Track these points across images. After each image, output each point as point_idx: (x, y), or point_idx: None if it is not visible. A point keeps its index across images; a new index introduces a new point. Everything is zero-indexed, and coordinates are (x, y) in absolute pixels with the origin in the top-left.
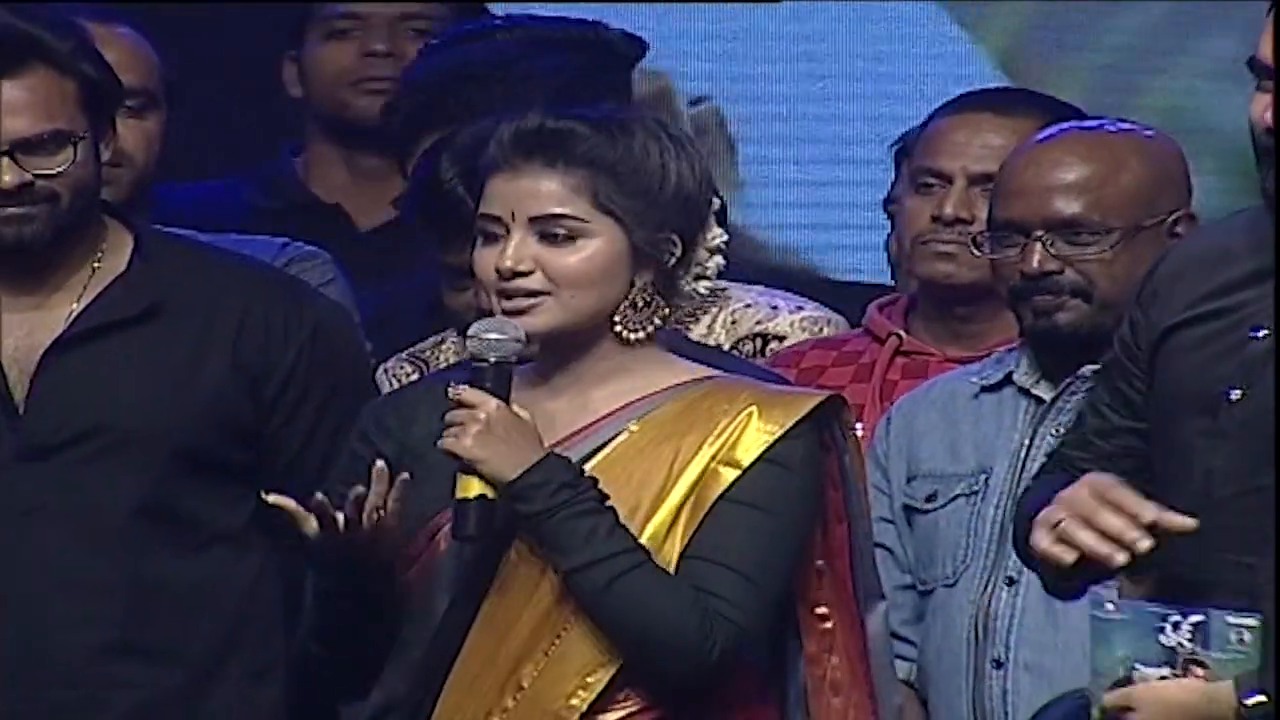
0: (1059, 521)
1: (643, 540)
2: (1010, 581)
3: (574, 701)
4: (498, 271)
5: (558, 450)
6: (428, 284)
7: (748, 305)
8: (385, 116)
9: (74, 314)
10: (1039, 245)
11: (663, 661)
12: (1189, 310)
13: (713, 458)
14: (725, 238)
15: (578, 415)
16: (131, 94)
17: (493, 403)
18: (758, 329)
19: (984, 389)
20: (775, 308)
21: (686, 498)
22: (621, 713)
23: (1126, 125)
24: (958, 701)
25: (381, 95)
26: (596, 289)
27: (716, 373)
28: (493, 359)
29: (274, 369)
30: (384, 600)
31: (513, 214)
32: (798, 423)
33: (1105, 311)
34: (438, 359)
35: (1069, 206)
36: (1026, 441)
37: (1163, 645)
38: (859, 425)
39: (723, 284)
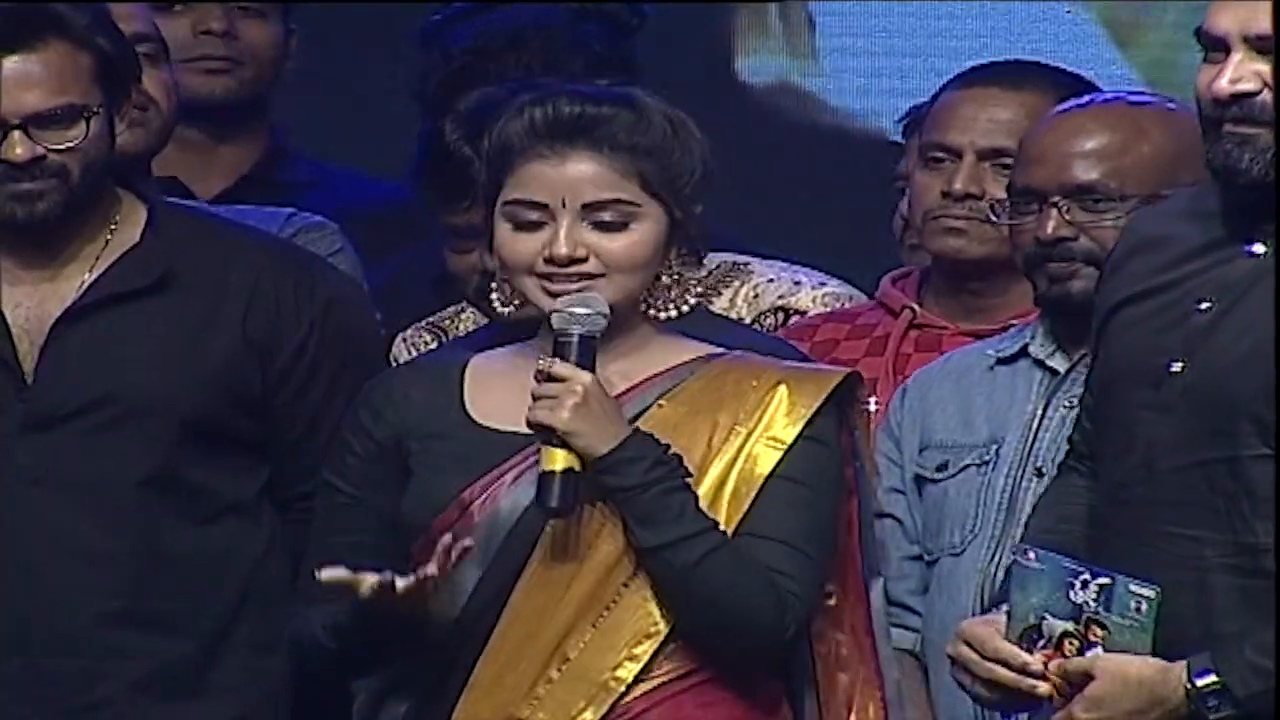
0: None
1: None
2: None
3: (620, 673)
4: (551, 259)
5: None
6: (434, 255)
7: (770, 280)
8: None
9: (85, 284)
10: (1055, 211)
11: (743, 638)
12: (1136, 285)
13: (749, 435)
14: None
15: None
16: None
17: (586, 376)
18: (779, 303)
19: (999, 361)
20: (798, 283)
21: (726, 474)
22: (656, 682)
23: (1150, 97)
24: None
25: (215, 75)
26: (643, 272)
27: (722, 350)
28: (578, 333)
29: (284, 341)
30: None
31: (563, 201)
32: (828, 399)
33: None
34: (457, 328)
35: (1088, 173)
36: (1039, 412)
37: (1071, 601)
38: (873, 399)
39: (745, 258)
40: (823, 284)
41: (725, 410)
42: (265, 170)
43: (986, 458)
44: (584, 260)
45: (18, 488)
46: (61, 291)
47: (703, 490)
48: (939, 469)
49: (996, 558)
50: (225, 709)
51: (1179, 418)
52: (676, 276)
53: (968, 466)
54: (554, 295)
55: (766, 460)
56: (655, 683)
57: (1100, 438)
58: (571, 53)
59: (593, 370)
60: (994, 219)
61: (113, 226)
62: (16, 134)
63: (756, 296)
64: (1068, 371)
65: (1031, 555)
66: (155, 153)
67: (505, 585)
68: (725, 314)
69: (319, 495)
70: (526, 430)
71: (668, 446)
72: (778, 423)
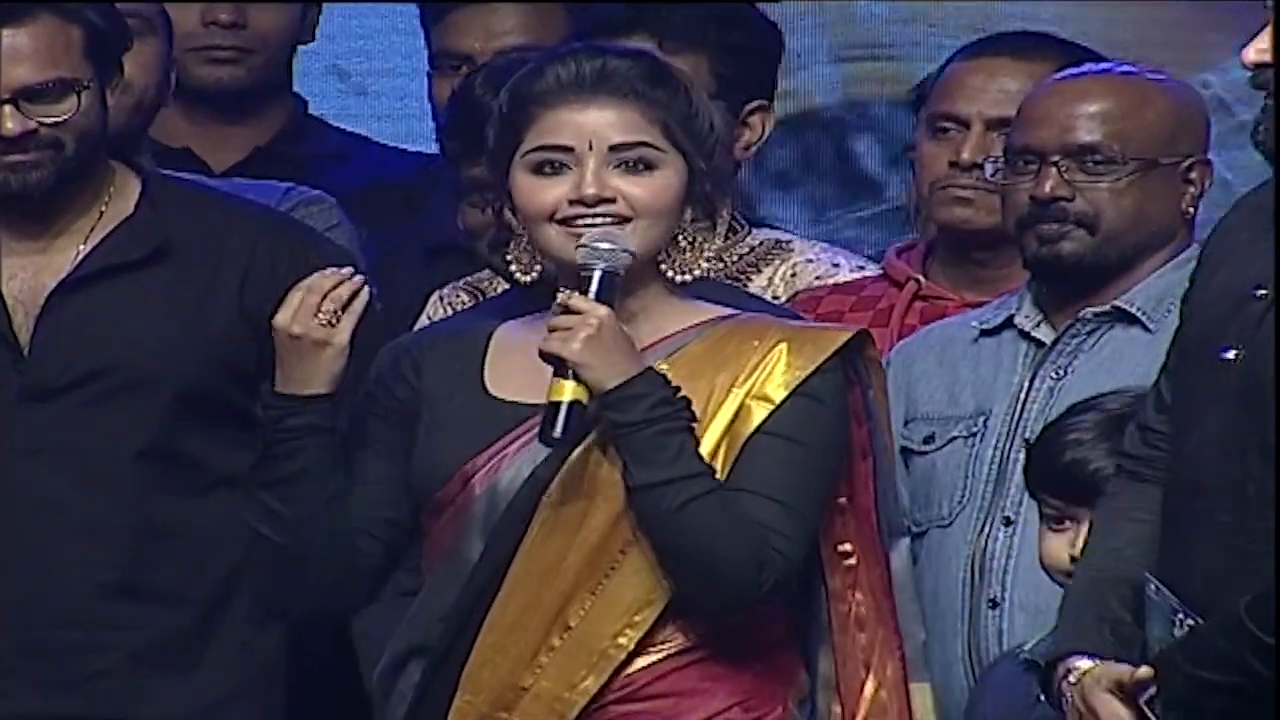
0: None
1: None
2: (1007, 522)
3: (621, 640)
4: (579, 200)
5: None
6: (430, 230)
7: (809, 260)
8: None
9: (80, 256)
10: (1054, 170)
11: (717, 588)
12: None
13: (746, 394)
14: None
15: None
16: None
17: (603, 309)
18: (816, 284)
19: (984, 332)
20: (837, 265)
21: (724, 435)
22: (660, 655)
23: (1153, 70)
24: (953, 642)
25: (222, 64)
26: (664, 221)
27: (735, 312)
28: (601, 268)
29: None
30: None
31: (590, 143)
32: (828, 358)
33: (1108, 244)
34: (494, 287)
35: (1090, 134)
36: (1026, 384)
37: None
38: None
39: (786, 236)
40: (861, 267)
41: (726, 371)
42: (284, 143)
43: (974, 429)
44: (612, 201)
45: (15, 459)
46: (56, 263)
47: (703, 452)
48: (925, 441)
49: (985, 529)
50: (221, 681)
51: (1225, 404)
52: (692, 239)
53: (955, 439)
54: (579, 239)
55: (756, 417)
56: (660, 655)
57: (1171, 420)
58: None
59: (612, 306)
60: (989, 177)
61: (106, 199)
62: (7, 109)
63: (794, 275)
64: (1054, 343)
65: (1153, 587)
66: (136, 130)
67: (508, 554)
68: (763, 291)
69: None
70: (534, 402)
71: (678, 389)
72: (773, 381)
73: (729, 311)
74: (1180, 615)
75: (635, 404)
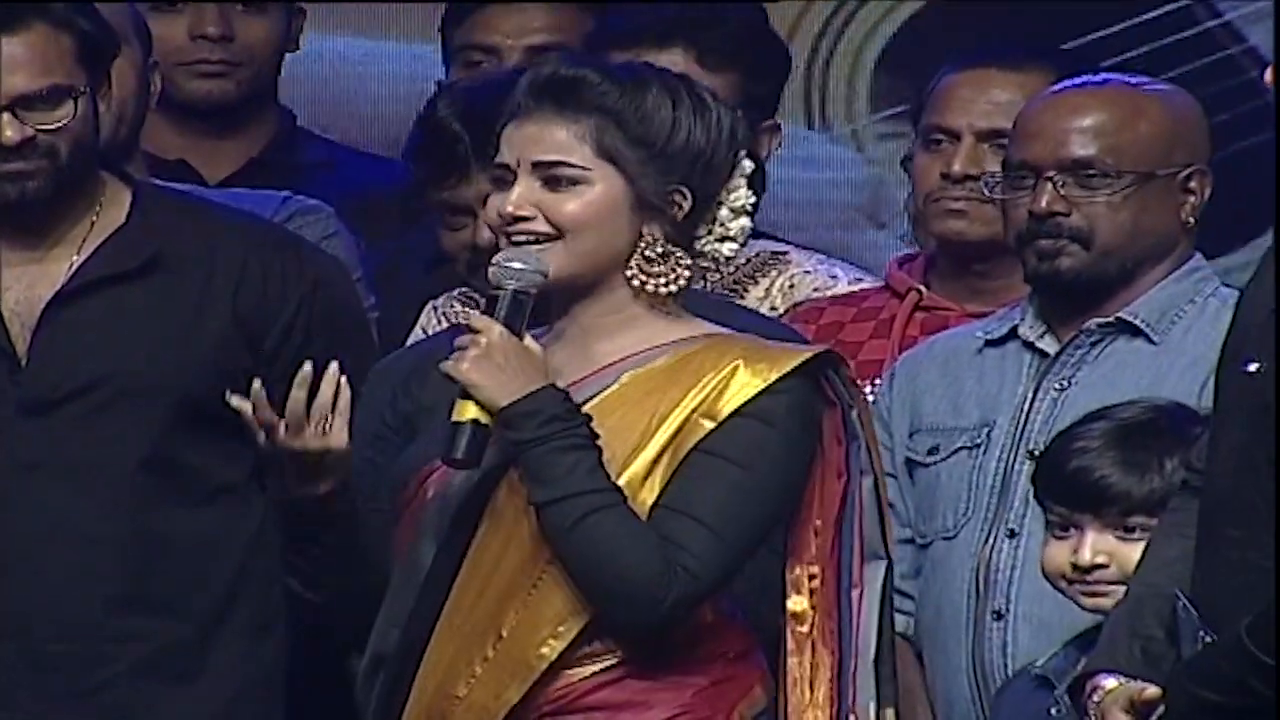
0: None
1: None
2: (1011, 534)
3: (544, 650)
4: (501, 215)
5: None
6: (429, 240)
7: (807, 271)
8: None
9: (74, 267)
10: (1049, 185)
11: (616, 605)
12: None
13: (694, 410)
14: (754, 199)
15: (581, 366)
16: None
17: (496, 329)
18: (815, 295)
19: (988, 343)
20: (835, 276)
21: (664, 450)
22: (600, 665)
23: (1148, 80)
24: (957, 654)
25: (211, 78)
26: (597, 235)
27: (722, 330)
28: (511, 287)
29: (273, 323)
30: (349, 531)
31: (518, 160)
32: (783, 377)
33: (1106, 259)
34: None
35: (1085, 148)
36: (1030, 395)
37: None
38: (879, 380)
39: (783, 247)
40: (859, 279)
41: (680, 386)
42: (277, 153)
43: (978, 441)
44: (530, 219)
45: (14, 472)
46: (50, 274)
47: (638, 465)
48: (930, 452)
49: (990, 541)
50: (223, 691)
51: (1245, 418)
52: (662, 250)
53: (959, 450)
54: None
55: (697, 434)
56: (599, 665)
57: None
58: None
59: (518, 326)
60: (987, 193)
61: (98, 209)
62: (5, 116)
63: (792, 287)
64: (1058, 354)
65: (1181, 604)
66: (124, 140)
67: (455, 561)
68: (760, 302)
69: None
70: None
71: (571, 404)
72: (723, 399)
73: (709, 329)
74: (1202, 633)
75: (526, 421)
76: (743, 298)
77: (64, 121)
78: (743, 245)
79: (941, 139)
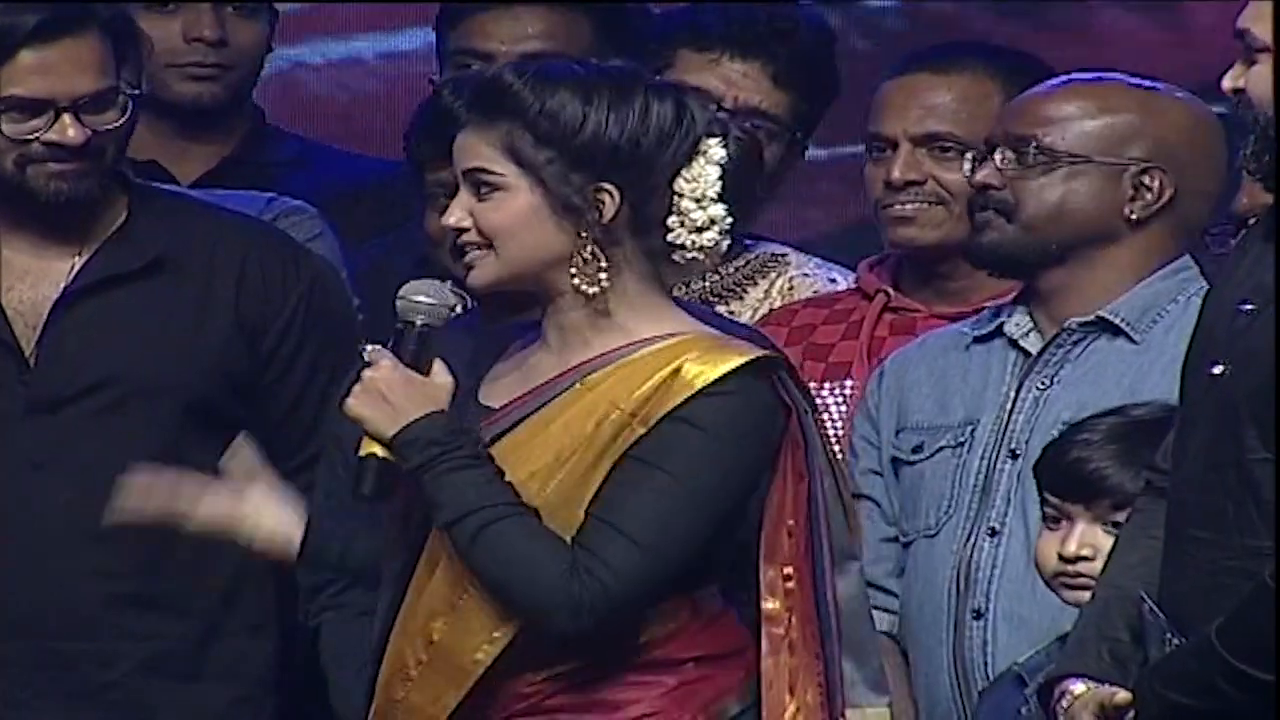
0: None
1: (548, 497)
2: (992, 533)
3: (479, 656)
4: (444, 228)
5: (517, 406)
6: (419, 237)
7: (806, 274)
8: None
9: (77, 267)
10: (991, 161)
11: (529, 614)
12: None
13: (632, 415)
14: (722, 214)
15: (555, 366)
16: None
17: (385, 364)
18: (812, 298)
19: (975, 340)
20: (833, 280)
21: (602, 454)
22: (563, 668)
23: (1143, 80)
24: (938, 652)
25: (202, 81)
26: (521, 243)
27: (700, 328)
28: (418, 322)
29: (272, 322)
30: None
31: (458, 171)
32: (719, 380)
33: (1027, 234)
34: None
35: (1027, 127)
36: (1012, 394)
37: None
38: (849, 381)
39: (782, 250)
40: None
41: (627, 388)
42: (248, 151)
43: (961, 439)
44: (466, 230)
45: (22, 471)
46: (53, 274)
47: (570, 470)
48: (914, 450)
49: (971, 539)
50: (225, 689)
51: (1210, 419)
52: (593, 252)
53: (943, 448)
54: (464, 267)
55: (628, 440)
56: (568, 665)
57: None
58: None
59: (418, 360)
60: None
61: (98, 208)
62: (67, 116)
63: (791, 289)
64: (1040, 352)
65: (1148, 607)
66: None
67: (409, 572)
68: (759, 304)
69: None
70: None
71: (453, 426)
72: (655, 404)
73: (686, 327)
74: (1169, 636)
75: (410, 450)
76: (742, 299)
77: (116, 123)
78: (724, 234)
79: (882, 147)
